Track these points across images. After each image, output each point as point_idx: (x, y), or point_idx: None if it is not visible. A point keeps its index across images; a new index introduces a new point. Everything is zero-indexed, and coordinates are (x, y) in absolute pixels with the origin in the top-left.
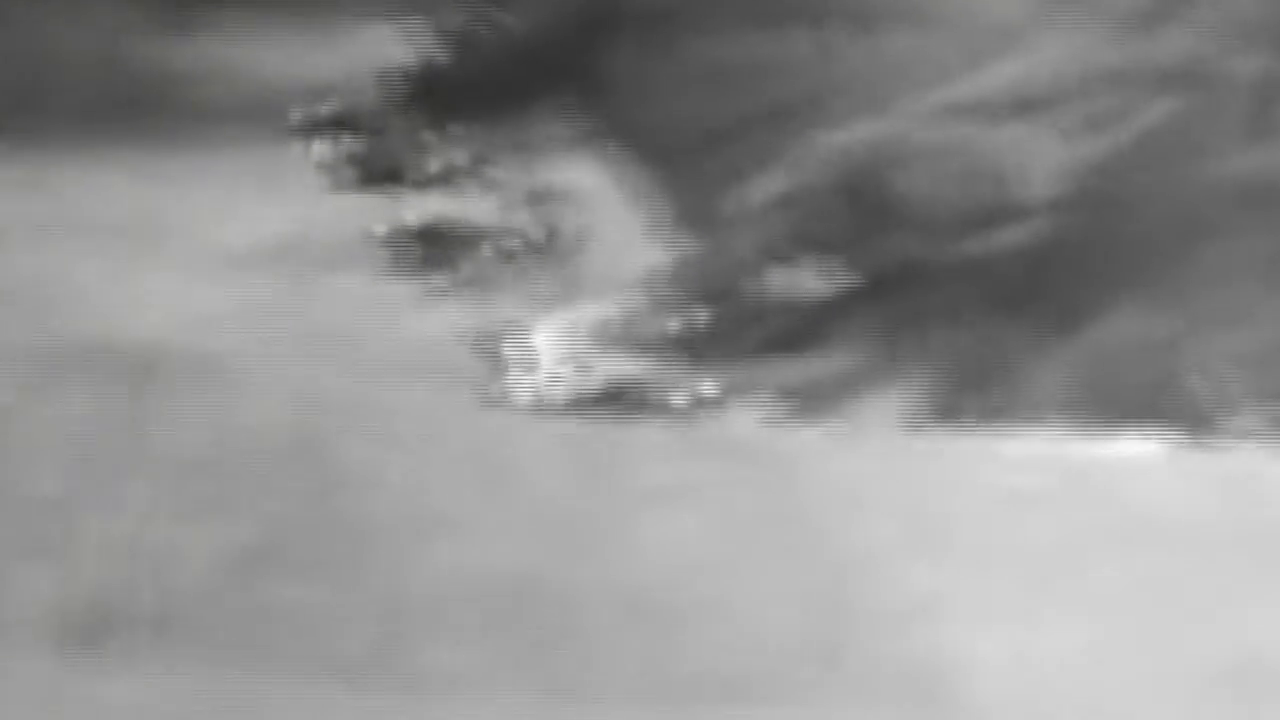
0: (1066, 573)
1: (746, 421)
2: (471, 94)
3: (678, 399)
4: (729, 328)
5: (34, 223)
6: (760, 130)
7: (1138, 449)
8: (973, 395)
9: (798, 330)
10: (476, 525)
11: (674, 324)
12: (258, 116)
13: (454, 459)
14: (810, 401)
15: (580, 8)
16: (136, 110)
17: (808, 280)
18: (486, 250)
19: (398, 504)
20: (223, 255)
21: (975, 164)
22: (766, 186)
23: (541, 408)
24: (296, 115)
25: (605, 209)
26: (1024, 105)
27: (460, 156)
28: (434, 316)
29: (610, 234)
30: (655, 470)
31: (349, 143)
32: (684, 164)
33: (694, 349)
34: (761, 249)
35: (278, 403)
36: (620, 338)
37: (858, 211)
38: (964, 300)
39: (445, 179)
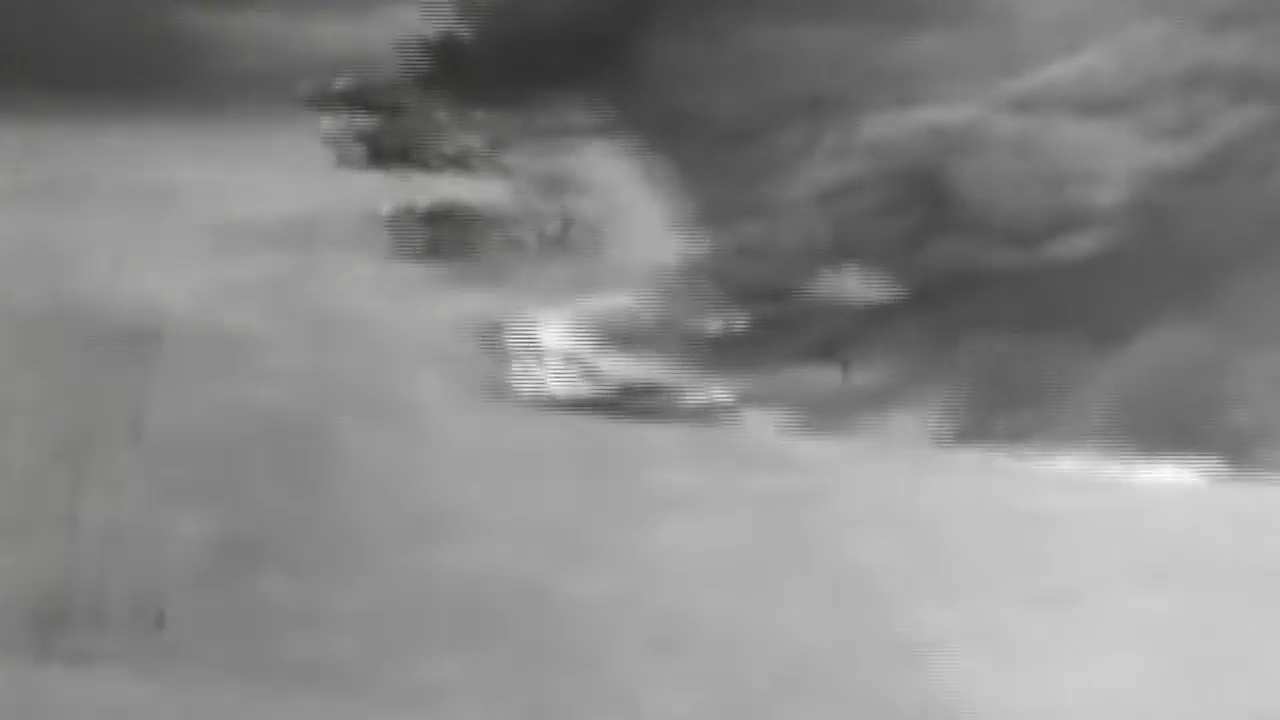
0: (1093, 608)
1: (766, 430)
2: (494, 76)
3: (694, 403)
4: (756, 330)
5: (39, 184)
6: (802, 122)
7: (1175, 477)
8: (1007, 414)
9: (829, 336)
10: (478, 527)
11: (697, 323)
12: (275, 88)
13: (457, 454)
14: (836, 413)
15: None
16: (151, 76)
17: (845, 283)
18: (499, 238)
19: (397, 500)
20: (231, 228)
21: (1037, 164)
22: (809, 181)
23: (550, 404)
24: (309, 88)
25: (629, 200)
26: (1094, 105)
27: (477, 140)
28: (443, 303)
29: (633, 226)
30: (666, 477)
31: (363, 119)
32: (717, 155)
33: (717, 351)
34: (800, 248)
35: (279, 385)
36: (636, 335)
37: (908, 211)
38: (1008, 312)
39: (460, 162)
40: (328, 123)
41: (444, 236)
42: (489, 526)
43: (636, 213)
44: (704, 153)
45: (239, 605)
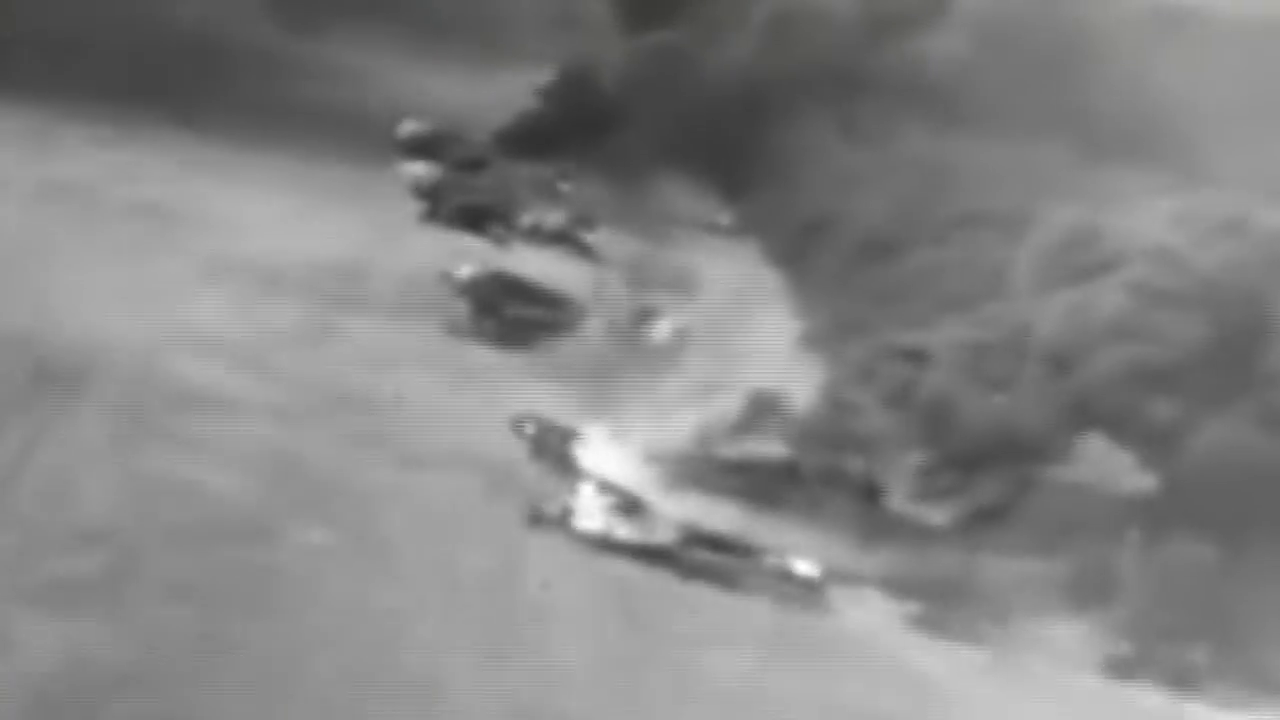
0: None
1: (870, 620)
2: (612, 153)
3: (781, 571)
4: (883, 491)
5: (40, 180)
6: (983, 235)
7: None
8: (1189, 645)
9: (979, 509)
10: (443, 704)
11: (807, 472)
12: (360, 129)
13: (451, 595)
14: (968, 610)
15: (778, 74)
16: (226, 96)
17: (1056, 457)
18: (571, 326)
19: (338, 646)
20: (240, 268)
21: None
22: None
23: (587, 545)
24: (397, 135)
25: (742, 308)
26: None
27: (575, 216)
28: (475, 395)
29: (742, 339)
30: (730, 662)
31: (448, 175)
32: (857, 270)
33: (825, 510)
34: (985, 397)
35: (240, 468)
36: (720, 474)
37: (1158, 372)
38: (1232, 515)
39: (551, 237)
40: (407, 172)
41: (503, 315)
42: (459, 707)
43: (749, 324)
44: (843, 265)
45: None
